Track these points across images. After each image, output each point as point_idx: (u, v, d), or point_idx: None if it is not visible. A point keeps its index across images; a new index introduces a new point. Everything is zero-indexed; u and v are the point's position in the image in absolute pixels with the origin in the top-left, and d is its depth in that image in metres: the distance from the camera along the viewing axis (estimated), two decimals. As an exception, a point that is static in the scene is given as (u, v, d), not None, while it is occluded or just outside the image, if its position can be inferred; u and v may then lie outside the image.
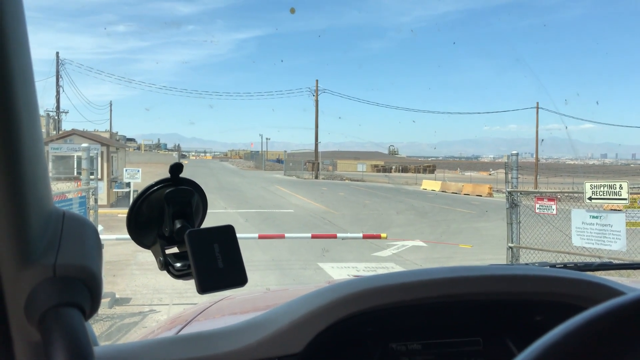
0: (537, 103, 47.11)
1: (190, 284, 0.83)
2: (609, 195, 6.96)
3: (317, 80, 58.96)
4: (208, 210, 0.98)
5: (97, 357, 0.81)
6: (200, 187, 0.94)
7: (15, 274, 0.59)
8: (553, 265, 1.93)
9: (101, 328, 6.84)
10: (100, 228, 8.26)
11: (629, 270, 6.17)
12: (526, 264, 2.07)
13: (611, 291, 1.03)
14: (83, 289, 0.61)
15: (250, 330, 0.95)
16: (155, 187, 0.89)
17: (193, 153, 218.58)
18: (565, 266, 1.98)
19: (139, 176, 19.62)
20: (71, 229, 0.67)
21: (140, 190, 0.92)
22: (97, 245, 0.68)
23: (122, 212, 19.06)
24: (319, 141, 59.87)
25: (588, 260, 6.85)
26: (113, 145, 26.65)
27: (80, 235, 0.67)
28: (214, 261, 0.82)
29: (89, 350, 0.56)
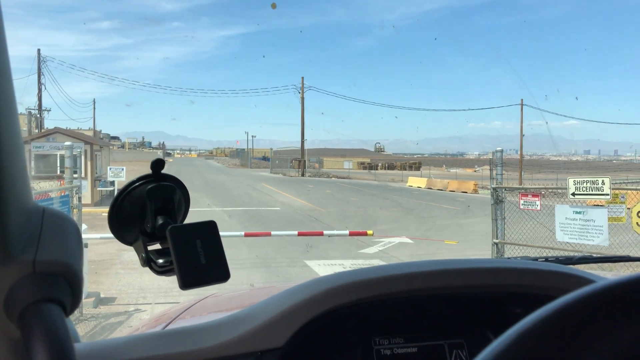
0: (522, 100, 47.47)
1: (176, 283, 0.83)
2: (592, 191, 7.06)
3: (302, 78, 58.80)
4: (193, 209, 0.98)
5: (80, 354, 0.80)
6: (182, 183, 0.94)
7: None
8: (535, 259, 1.95)
9: (86, 328, 6.79)
10: (84, 227, 8.17)
11: (611, 264, 6.26)
12: (508, 258, 2.09)
13: (587, 282, 1.04)
14: (63, 284, 0.61)
15: (232, 325, 0.95)
16: (137, 183, 0.89)
17: (178, 151, 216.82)
18: (546, 260, 2.00)
19: (123, 174, 19.45)
20: (51, 224, 0.66)
21: (122, 186, 0.91)
22: (78, 241, 0.68)
23: (106, 211, 18.84)
24: (305, 138, 59.86)
25: (570, 254, 6.94)
26: (97, 143, 26.37)
27: (61, 231, 0.66)
28: (196, 257, 0.82)
29: (69, 346, 0.55)
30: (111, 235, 0.90)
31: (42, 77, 44.47)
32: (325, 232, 10.33)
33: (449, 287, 1.03)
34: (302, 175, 55.11)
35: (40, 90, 44.43)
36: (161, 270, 0.88)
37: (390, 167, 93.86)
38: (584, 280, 1.05)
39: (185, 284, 0.80)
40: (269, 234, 10.05)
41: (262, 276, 9.81)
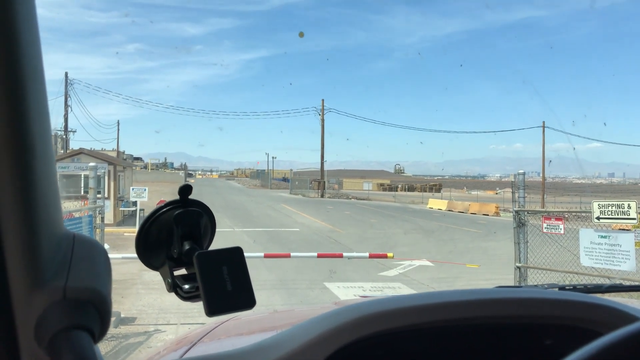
0: (544, 122, 47.02)
1: (196, 304, 0.83)
2: (618, 214, 6.91)
3: (322, 100, 59.29)
4: None
5: None
6: (209, 209, 0.94)
7: (26, 296, 0.59)
8: (562, 287, 1.91)
9: (106, 348, 6.81)
10: (106, 247, 8.26)
11: (638, 292, 6.09)
12: (535, 286, 2.05)
13: (624, 315, 1.01)
14: (93, 311, 0.61)
15: (257, 354, 0.94)
16: (165, 209, 0.90)
17: (200, 172, 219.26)
18: (574, 288, 1.95)
19: (146, 195, 19.68)
20: (81, 251, 0.67)
21: (149, 212, 0.92)
22: (107, 268, 0.69)
23: (129, 231, 19.10)
24: (324, 160, 60.04)
25: (597, 280, 6.78)
26: (120, 164, 26.80)
27: (91, 258, 0.67)
28: (223, 283, 0.82)
29: None
30: (133, 255, 0.91)
31: (68, 99, 45.51)
32: (344, 254, 10.26)
33: (479, 318, 1.01)
34: (322, 196, 55.09)
35: (66, 112, 45.44)
36: (187, 296, 0.88)
37: (410, 188, 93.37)
38: (618, 313, 1.02)
39: (211, 311, 0.80)
40: (288, 256, 10.03)
41: (281, 298, 9.76)
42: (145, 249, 0.90)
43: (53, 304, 0.59)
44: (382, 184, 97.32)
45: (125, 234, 18.02)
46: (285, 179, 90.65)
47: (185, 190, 0.90)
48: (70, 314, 0.59)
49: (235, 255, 0.85)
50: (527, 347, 1.11)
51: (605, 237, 7.10)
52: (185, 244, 0.89)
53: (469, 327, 1.03)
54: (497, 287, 1.47)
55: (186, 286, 0.88)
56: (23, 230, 0.58)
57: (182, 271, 0.92)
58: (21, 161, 0.57)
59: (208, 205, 0.96)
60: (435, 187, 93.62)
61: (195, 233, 0.90)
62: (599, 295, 1.17)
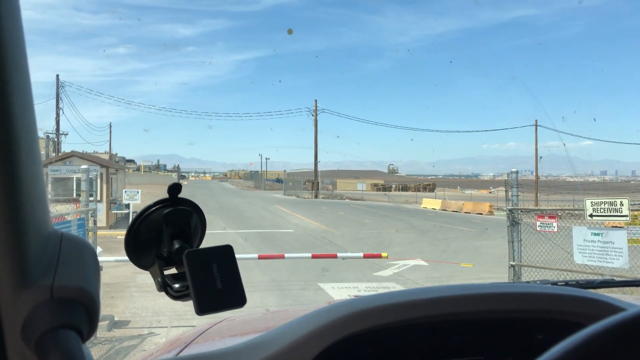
0: (536, 121, 47.35)
1: (190, 306, 0.82)
2: (610, 212, 6.95)
3: (315, 100, 59.48)
4: (207, 231, 0.98)
5: None
6: (199, 207, 0.94)
7: (13, 296, 0.58)
8: (555, 283, 1.92)
9: (100, 351, 6.77)
10: (99, 250, 8.22)
11: (632, 288, 6.13)
12: (527, 282, 2.05)
13: (612, 308, 1.02)
14: (81, 310, 0.61)
15: (249, 352, 0.94)
16: (154, 208, 0.89)
17: (192, 174, 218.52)
18: (567, 284, 1.96)
19: (139, 197, 19.62)
20: (69, 250, 0.66)
21: (138, 211, 0.91)
22: (95, 267, 0.68)
23: (122, 234, 18.99)
24: (318, 160, 60.02)
25: (590, 278, 6.81)
26: (112, 166, 26.67)
27: (78, 257, 0.66)
28: (213, 282, 0.81)
29: None
30: (126, 258, 0.90)
31: (60, 102, 45.22)
32: (339, 254, 10.24)
33: (471, 313, 1.01)
34: (316, 197, 55.11)
35: (58, 114, 45.15)
36: (177, 295, 0.87)
37: (404, 188, 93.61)
38: (606, 306, 1.02)
39: (201, 310, 0.79)
40: (282, 256, 10.01)
41: (275, 299, 9.75)
42: (134, 248, 0.89)
43: (40, 304, 0.59)
44: (375, 184, 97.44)
45: (118, 236, 17.91)
46: (279, 180, 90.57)
47: (175, 188, 0.89)
48: (57, 314, 0.59)
49: (225, 253, 0.85)
50: (518, 342, 1.11)
51: (598, 234, 7.14)
52: (175, 242, 0.88)
53: (460, 322, 1.03)
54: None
55: (176, 285, 0.87)
56: (9, 230, 0.58)
57: (173, 270, 0.91)
58: (6, 160, 0.57)
59: (201, 207, 0.95)
60: (429, 186, 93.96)
61: (185, 232, 0.90)
62: (590, 290, 1.17)
